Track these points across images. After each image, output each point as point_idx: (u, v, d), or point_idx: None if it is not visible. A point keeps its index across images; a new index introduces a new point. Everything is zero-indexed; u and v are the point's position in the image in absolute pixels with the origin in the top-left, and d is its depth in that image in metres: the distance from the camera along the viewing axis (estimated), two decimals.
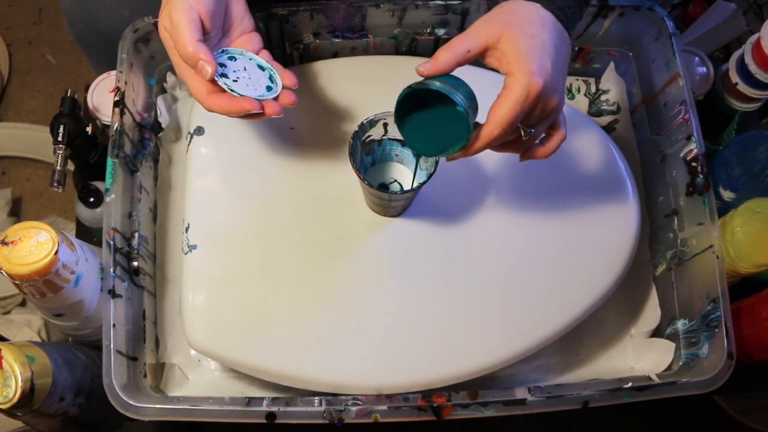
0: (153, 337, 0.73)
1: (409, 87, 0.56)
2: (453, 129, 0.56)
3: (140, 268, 0.71)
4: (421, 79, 0.56)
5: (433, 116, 0.57)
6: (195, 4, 0.58)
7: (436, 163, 0.62)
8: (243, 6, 0.64)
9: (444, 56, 0.55)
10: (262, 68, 0.62)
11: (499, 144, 0.58)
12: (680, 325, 0.73)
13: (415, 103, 0.57)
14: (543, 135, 0.60)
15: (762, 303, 0.74)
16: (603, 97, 0.86)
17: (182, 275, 0.69)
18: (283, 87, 0.62)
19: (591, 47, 0.83)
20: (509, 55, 0.55)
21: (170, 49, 0.60)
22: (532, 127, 0.57)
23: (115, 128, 0.71)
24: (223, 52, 0.61)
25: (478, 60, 0.57)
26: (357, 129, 0.64)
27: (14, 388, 0.60)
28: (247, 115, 0.60)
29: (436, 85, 0.55)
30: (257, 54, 0.63)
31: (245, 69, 0.61)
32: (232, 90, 0.59)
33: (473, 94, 0.56)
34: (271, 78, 0.62)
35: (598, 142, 0.76)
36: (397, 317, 0.67)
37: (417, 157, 0.67)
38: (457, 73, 0.56)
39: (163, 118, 0.78)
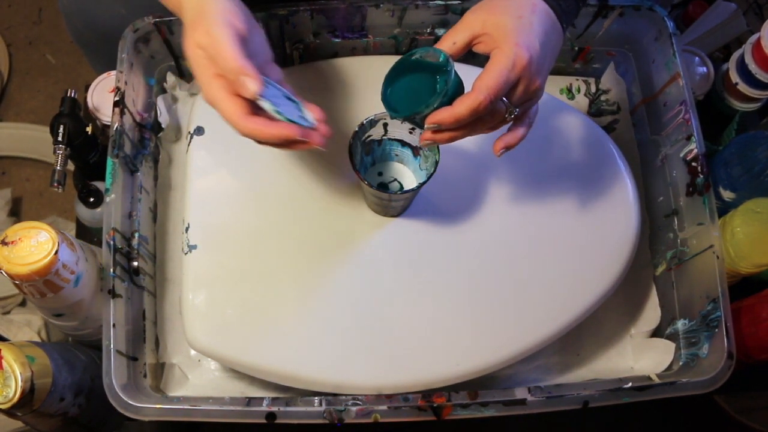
0: (153, 337, 0.73)
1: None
2: (432, 88, 0.57)
3: (140, 268, 0.71)
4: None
5: (416, 83, 0.58)
6: (234, 22, 0.55)
7: (436, 163, 0.62)
8: (263, 36, 0.60)
9: None
10: (291, 100, 0.57)
11: (483, 124, 0.57)
12: (680, 325, 0.73)
13: (400, 74, 0.59)
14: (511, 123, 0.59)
15: (762, 303, 0.74)
16: (603, 97, 0.86)
17: (182, 275, 0.69)
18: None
19: (591, 47, 0.83)
20: (495, 35, 0.55)
21: (201, 68, 0.55)
22: (516, 107, 0.57)
23: (115, 128, 0.71)
24: None
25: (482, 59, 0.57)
26: (357, 129, 0.63)
27: (14, 388, 0.60)
28: (283, 144, 0.55)
29: (418, 51, 0.56)
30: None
31: (277, 98, 0.56)
32: (278, 112, 0.54)
33: (461, 80, 0.57)
34: (299, 110, 0.57)
35: (598, 142, 0.76)
36: (398, 317, 0.67)
37: (415, 153, 0.67)
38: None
39: (163, 118, 0.78)
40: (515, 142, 0.59)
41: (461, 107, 0.53)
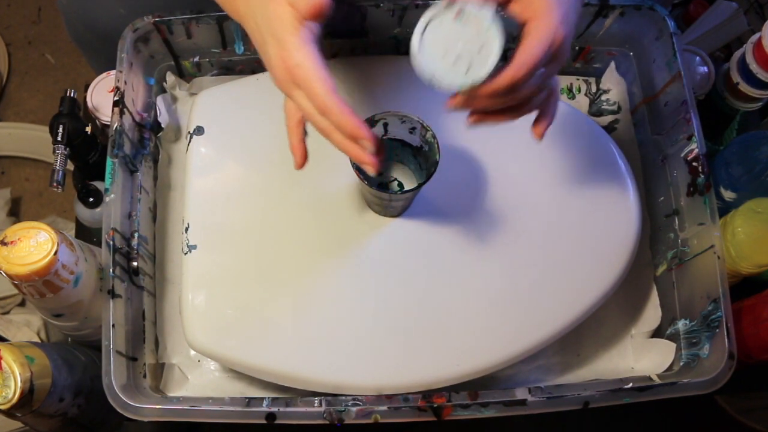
0: (153, 338, 0.73)
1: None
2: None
3: (140, 268, 0.71)
4: None
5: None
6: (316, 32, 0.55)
7: (436, 163, 0.62)
8: None
9: None
10: None
11: (517, 105, 0.57)
12: (681, 325, 0.73)
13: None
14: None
15: (763, 303, 0.74)
16: (603, 97, 0.86)
17: (182, 275, 0.69)
18: None
19: (591, 47, 0.83)
20: (535, 2, 0.54)
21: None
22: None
23: (114, 128, 0.71)
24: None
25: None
26: None
27: (13, 389, 0.60)
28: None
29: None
30: None
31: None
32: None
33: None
34: None
35: (599, 142, 0.76)
36: (398, 317, 0.67)
37: (416, 156, 0.67)
38: None
39: (163, 118, 0.78)
40: (552, 120, 0.60)
41: (502, 81, 0.53)
